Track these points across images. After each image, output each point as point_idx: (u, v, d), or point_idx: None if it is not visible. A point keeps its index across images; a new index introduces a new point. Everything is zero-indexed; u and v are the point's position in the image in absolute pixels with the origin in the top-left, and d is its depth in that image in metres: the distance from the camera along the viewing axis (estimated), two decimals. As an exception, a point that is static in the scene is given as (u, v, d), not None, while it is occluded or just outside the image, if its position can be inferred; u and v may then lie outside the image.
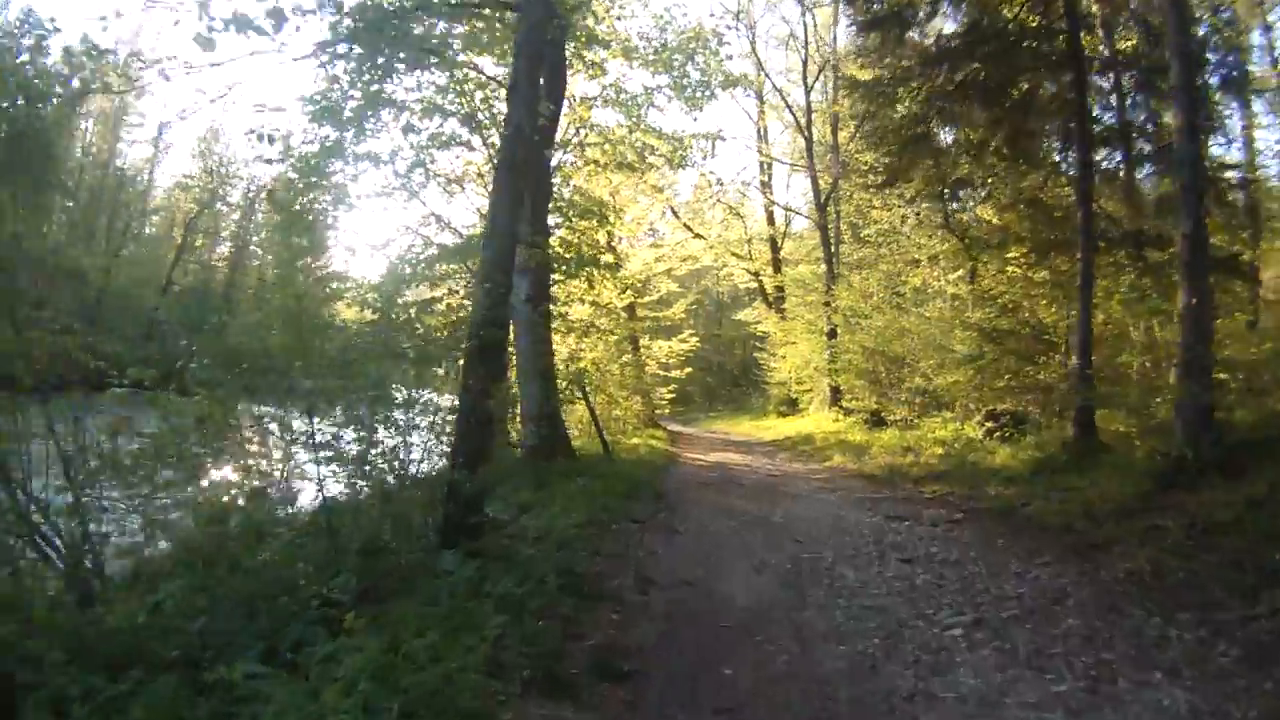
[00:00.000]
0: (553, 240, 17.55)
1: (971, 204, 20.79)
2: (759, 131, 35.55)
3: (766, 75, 33.17)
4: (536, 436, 12.55)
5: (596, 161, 18.81)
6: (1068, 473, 11.21)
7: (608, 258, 19.87)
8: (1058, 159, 15.80)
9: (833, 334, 25.71)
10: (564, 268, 17.56)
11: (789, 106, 31.15)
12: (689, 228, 33.77)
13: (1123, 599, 6.44)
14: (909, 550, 8.40)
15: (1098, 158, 14.33)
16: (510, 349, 12.60)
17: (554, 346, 20.78)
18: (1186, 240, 10.00)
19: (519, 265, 12.93)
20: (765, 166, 35.85)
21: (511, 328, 12.62)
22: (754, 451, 21.21)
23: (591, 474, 11.87)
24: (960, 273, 21.24)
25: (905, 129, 15.74)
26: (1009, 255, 16.82)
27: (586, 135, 18.43)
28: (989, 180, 16.51)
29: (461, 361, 8.06)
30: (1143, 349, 14.57)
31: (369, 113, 13.51)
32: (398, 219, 26.10)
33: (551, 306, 18.14)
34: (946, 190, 20.89)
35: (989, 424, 15.81)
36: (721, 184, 21.04)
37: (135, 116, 48.33)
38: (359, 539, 6.49)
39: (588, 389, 20.72)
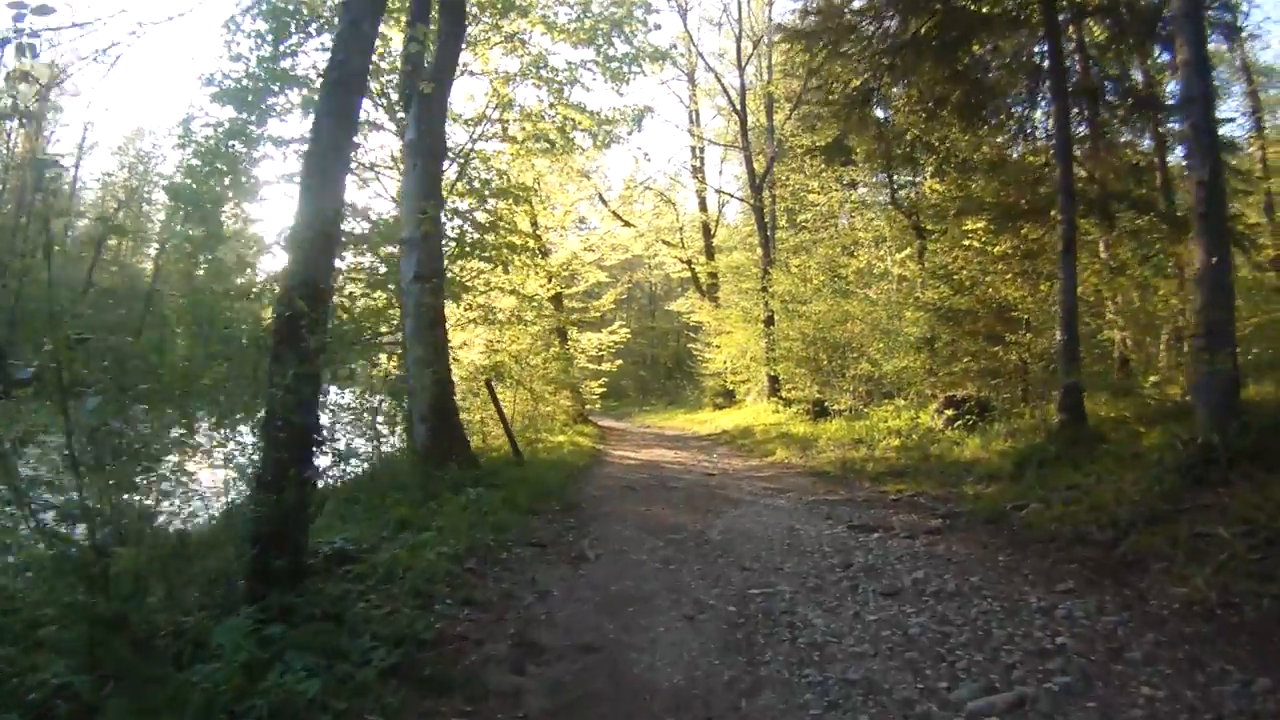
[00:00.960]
0: (468, 224, 15.58)
1: (920, 179, 19.02)
2: (691, 115, 33.56)
3: (700, 55, 31.16)
4: (428, 437, 10.21)
5: (515, 139, 16.66)
6: (1060, 466, 9.21)
7: (529, 243, 17.54)
8: (1022, 118, 13.89)
9: (770, 321, 23.79)
10: (479, 251, 15.51)
11: (722, 85, 28.94)
12: (618, 216, 31.66)
13: (1200, 647, 4.43)
14: (889, 577, 6.20)
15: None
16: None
17: (474, 339, 18.66)
18: (1202, 188, 8.17)
19: (406, 237, 10.73)
20: (697, 151, 33.92)
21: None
22: (689, 447, 18.98)
23: (492, 481, 9.56)
24: (908, 251, 19.35)
25: (851, 88, 13.71)
26: (966, 228, 14.83)
27: (505, 114, 16.34)
28: (944, 144, 14.48)
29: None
30: (1126, 323, 12.73)
31: (275, 88, 12.34)
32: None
33: (470, 296, 16.12)
34: (893, 164, 19.22)
35: (948, 411, 13.80)
36: (649, 159, 18.91)
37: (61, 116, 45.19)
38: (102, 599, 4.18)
39: (507, 383, 18.50)
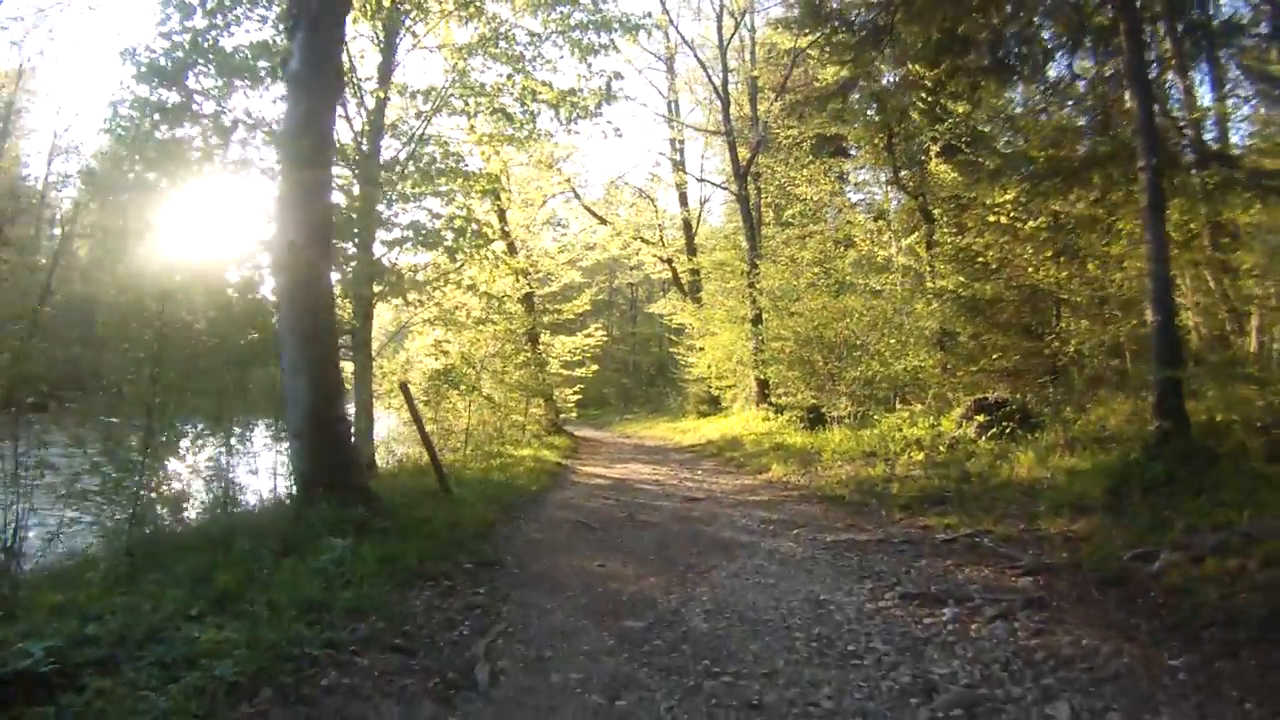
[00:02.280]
0: (421, 213, 13.22)
1: (924, 156, 16.36)
2: (670, 106, 30.62)
3: (680, 35, 28.16)
4: (305, 460, 7.28)
5: (469, 112, 14.05)
6: (1177, 494, 6.45)
7: (487, 230, 14.61)
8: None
9: (758, 320, 20.94)
10: (420, 237, 12.90)
11: (704, 67, 25.89)
12: (593, 212, 28.78)
13: None
14: None
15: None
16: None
17: (437, 340, 15.91)
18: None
19: (280, 193, 7.93)
20: (677, 144, 30.95)
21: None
22: (670, 461, 16.02)
23: (384, 523, 6.59)
24: (915, 237, 16.62)
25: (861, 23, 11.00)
26: (992, 201, 12.10)
27: (462, 87, 13.85)
28: (972, 97, 11.68)
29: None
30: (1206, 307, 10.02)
31: (201, 63, 10.15)
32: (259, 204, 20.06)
33: (418, 293, 13.54)
34: (895, 137, 16.59)
35: (979, 418, 11.01)
36: (620, 134, 16.09)
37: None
38: None
39: (461, 390, 15.69)
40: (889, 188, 18.03)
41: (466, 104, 14.09)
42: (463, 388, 15.59)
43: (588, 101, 14.32)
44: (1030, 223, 12.00)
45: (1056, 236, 11.59)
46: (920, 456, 10.55)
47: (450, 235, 12.96)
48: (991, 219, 12.40)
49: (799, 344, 17.60)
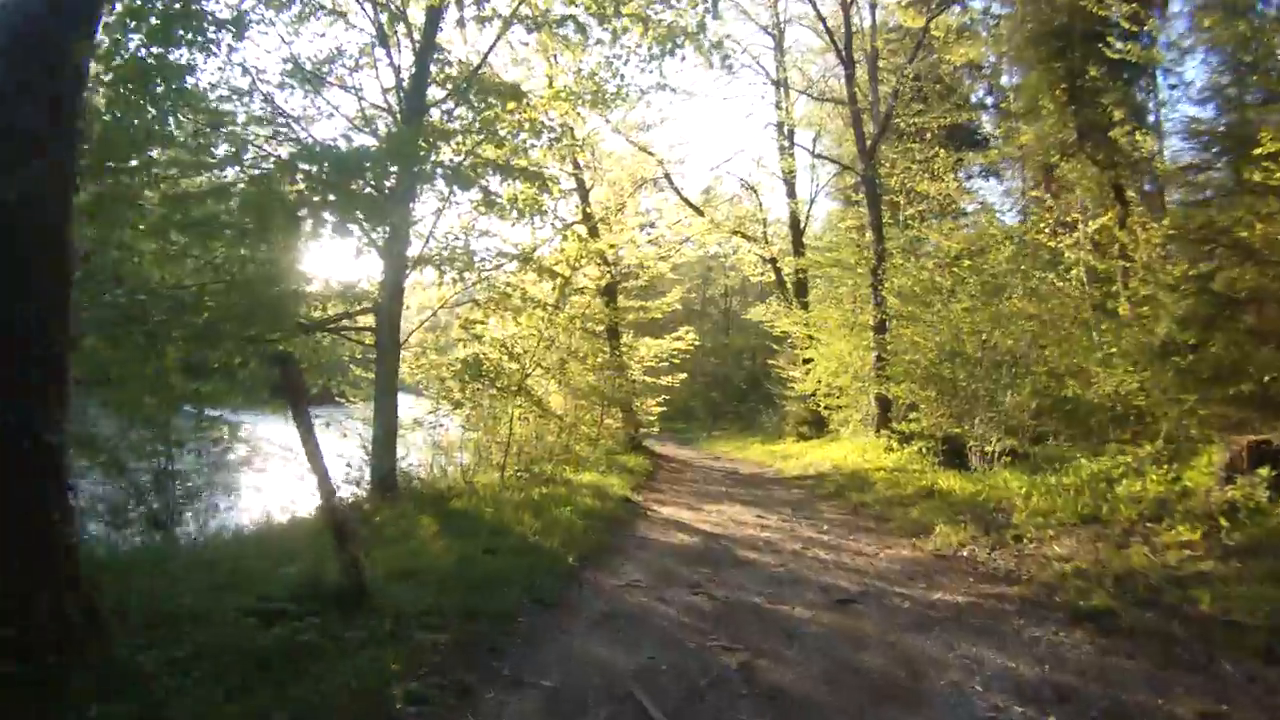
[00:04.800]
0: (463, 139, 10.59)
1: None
2: (778, 88, 26.63)
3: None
4: None
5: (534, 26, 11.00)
6: None
7: (533, 165, 11.01)
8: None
9: (881, 327, 16.92)
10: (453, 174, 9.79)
11: (825, 25, 21.45)
12: (688, 201, 25.13)
13: None
14: None
15: None
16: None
17: (467, 319, 12.50)
18: None
19: None
20: (785, 129, 26.95)
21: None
22: (776, 501, 11.95)
23: None
24: (1109, 216, 12.53)
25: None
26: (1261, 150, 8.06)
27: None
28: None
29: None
30: None
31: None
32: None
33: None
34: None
35: (1264, 471, 6.86)
36: (729, 66, 12.49)
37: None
38: None
39: (499, 391, 12.08)
40: (1068, 160, 13.82)
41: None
42: (499, 386, 11.84)
43: (685, 19, 10.82)
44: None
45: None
46: (1194, 535, 6.46)
47: (493, 176, 9.56)
48: (1257, 176, 8.30)
49: (940, 356, 13.61)
